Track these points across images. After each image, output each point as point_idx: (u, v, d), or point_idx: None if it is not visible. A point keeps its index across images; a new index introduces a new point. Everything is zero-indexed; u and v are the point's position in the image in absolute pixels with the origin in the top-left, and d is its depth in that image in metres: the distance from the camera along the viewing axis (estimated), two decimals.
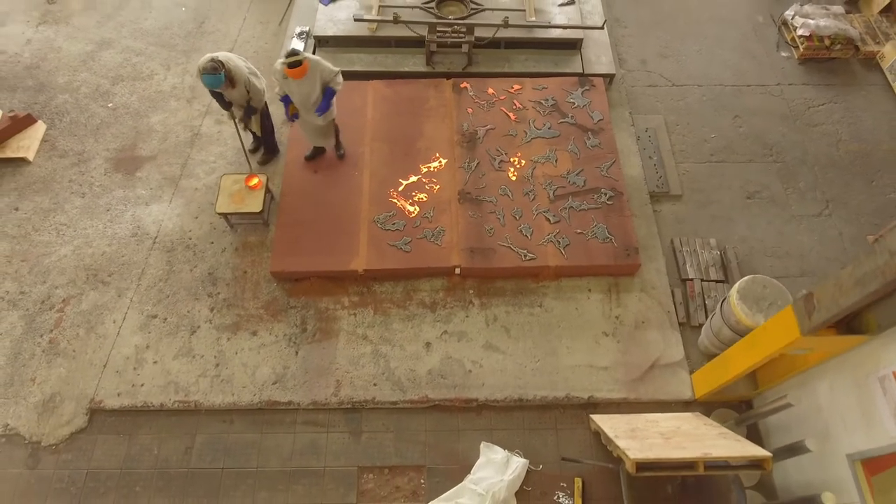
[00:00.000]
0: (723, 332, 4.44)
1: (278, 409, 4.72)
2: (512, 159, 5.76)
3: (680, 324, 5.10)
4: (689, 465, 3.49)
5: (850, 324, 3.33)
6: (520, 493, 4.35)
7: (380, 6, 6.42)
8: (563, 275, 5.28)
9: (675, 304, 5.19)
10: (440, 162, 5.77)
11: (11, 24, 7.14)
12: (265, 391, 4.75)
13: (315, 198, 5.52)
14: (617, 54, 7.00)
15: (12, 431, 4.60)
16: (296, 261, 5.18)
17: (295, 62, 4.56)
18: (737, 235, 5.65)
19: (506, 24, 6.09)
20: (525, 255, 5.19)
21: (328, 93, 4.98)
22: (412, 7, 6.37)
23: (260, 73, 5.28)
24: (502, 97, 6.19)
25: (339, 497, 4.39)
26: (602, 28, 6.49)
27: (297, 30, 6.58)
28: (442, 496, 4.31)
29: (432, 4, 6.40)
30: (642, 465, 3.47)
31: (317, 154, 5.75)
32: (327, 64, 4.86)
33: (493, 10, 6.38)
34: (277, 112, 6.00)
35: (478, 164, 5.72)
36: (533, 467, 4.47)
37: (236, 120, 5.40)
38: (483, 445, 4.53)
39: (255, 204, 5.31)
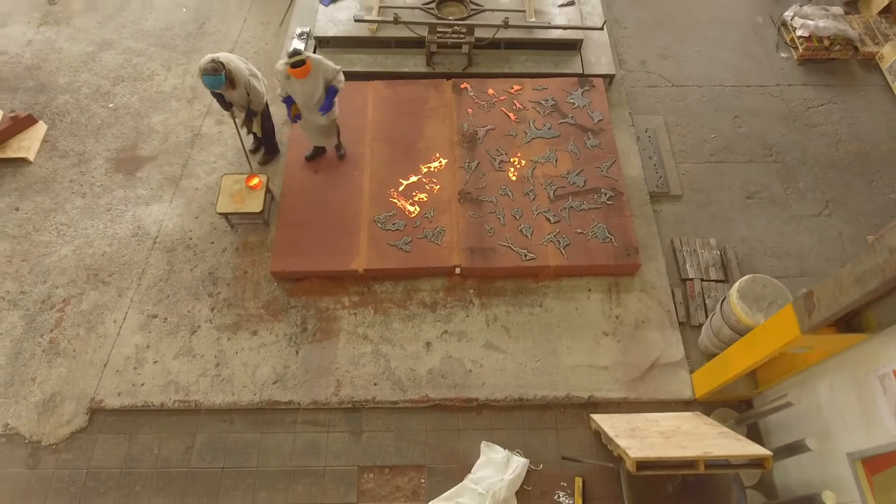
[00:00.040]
0: (723, 332, 4.45)
1: (279, 409, 4.72)
2: (512, 159, 5.77)
3: (680, 323, 5.10)
4: (690, 463, 3.49)
5: (850, 322, 3.33)
6: (520, 493, 4.35)
7: (380, 7, 6.43)
8: (563, 274, 5.29)
9: (675, 303, 5.19)
10: (440, 162, 5.78)
11: (13, 25, 7.16)
12: (265, 391, 4.75)
13: (315, 198, 5.53)
14: (617, 55, 7.02)
15: (12, 431, 4.60)
16: (296, 261, 5.19)
17: (298, 62, 4.57)
18: (737, 235, 5.66)
19: (506, 25, 6.10)
20: (525, 255, 5.20)
21: (331, 91, 5.00)
22: (412, 8, 6.38)
23: (261, 75, 5.27)
24: (502, 97, 6.20)
25: (340, 497, 4.39)
26: (602, 29, 6.51)
27: (298, 31, 6.59)
28: (442, 496, 4.30)
29: (432, 5, 6.41)
30: (643, 464, 3.47)
31: (317, 154, 5.76)
32: (329, 62, 4.87)
33: (493, 10, 6.40)
34: (278, 113, 6.02)
35: (478, 164, 5.73)
36: (533, 467, 4.47)
37: (237, 121, 5.42)
38: (483, 445, 4.53)
39: (255, 204, 5.32)
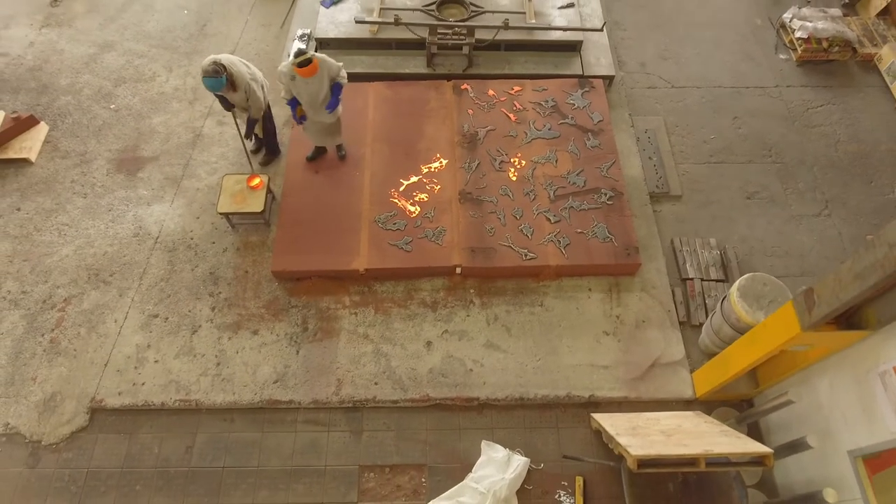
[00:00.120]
0: (723, 331, 4.45)
1: (279, 408, 4.72)
2: (512, 160, 5.79)
3: (680, 323, 5.11)
4: (691, 461, 3.49)
5: (850, 319, 3.34)
6: (521, 492, 4.34)
7: (381, 8, 6.47)
8: (563, 274, 5.30)
9: (675, 303, 5.20)
10: (441, 162, 5.80)
11: (15, 27, 7.18)
12: (266, 390, 4.75)
13: (316, 198, 5.54)
14: (616, 56, 7.05)
15: (13, 430, 4.60)
16: (297, 260, 5.19)
17: (305, 61, 4.61)
18: (737, 235, 5.67)
19: (506, 27, 6.13)
20: (526, 255, 5.21)
21: (336, 88, 5.04)
22: (413, 9, 6.41)
23: (262, 77, 5.26)
24: (503, 98, 6.22)
25: (340, 496, 4.38)
26: (601, 30, 6.54)
27: (299, 32, 6.62)
28: (443, 495, 4.30)
29: (433, 7, 6.44)
30: (644, 462, 3.48)
31: (318, 155, 5.77)
32: (331, 60, 4.92)
33: (493, 12, 6.43)
34: (279, 114, 6.04)
35: (478, 164, 5.75)
36: (534, 466, 4.47)
37: (238, 121, 5.43)
38: (484, 444, 4.52)
39: (256, 204, 5.33)
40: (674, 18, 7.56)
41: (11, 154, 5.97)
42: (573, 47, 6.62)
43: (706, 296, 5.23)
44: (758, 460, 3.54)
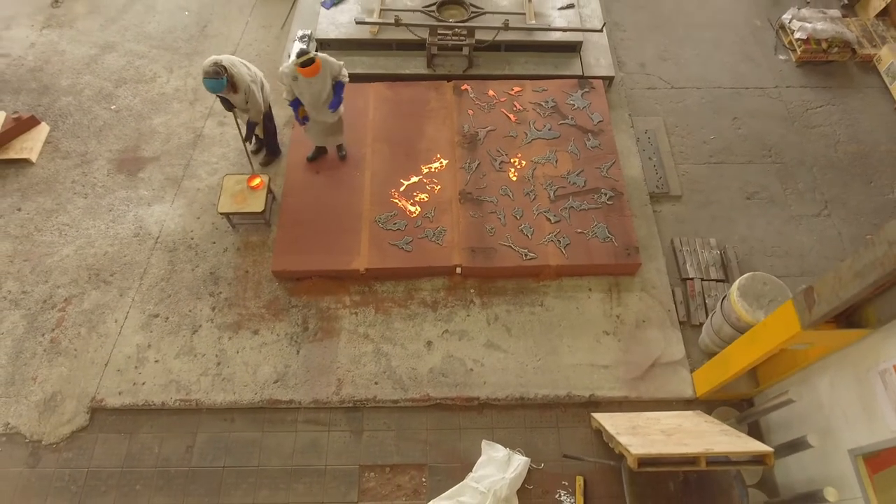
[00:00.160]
0: (723, 330, 4.46)
1: (279, 408, 4.72)
2: (512, 160, 5.80)
3: (680, 322, 5.11)
4: (691, 460, 3.50)
5: (850, 318, 3.35)
6: (521, 492, 4.34)
7: (381, 9, 6.48)
8: (563, 274, 5.30)
9: (675, 303, 5.21)
10: (441, 163, 5.81)
11: (16, 28, 7.20)
12: (266, 390, 4.75)
13: (317, 198, 5.55)
14: (616, 57, 7.06)
15: (13, 430, 4.59)
16: (297, 260, 5.20)
17: (308, 60, 4.63)
18: (737, 235, 5.68)
19: (506, 27, 6.15)
20: (526, 255, 5.21)
21: (338, 87, 5.07)
22: (413, 10, 6.43)
23: (262, 78, 5.26)
24: (503, 99, 6.23)
25: (341, 496, 4.38)
26: (601, 31, 6.56)
27: (299, 33, 6.63)
28: (443, 494, 4.29)
29: (433, 8, 6.46)
30: (644, 461, 3.48)
31: (319, 155, 5.78)
32: (333, 59, 4.95)
33: (493, 13, 6.45)
34: (280, 114, 6.05)
35: (478, 164, 5.76)
36: (534, 465, 4.46)
37: (239, 122, 5.44)
38: (484, 444, 4.52)
39: (256, 204, 5.34)
40: (673, 19, 7.58)
41: (12, 154, 5.98)
42: (573, 48, 6.63)
43: (706, 295, 5.23)
44: (758, 459, 3.54)
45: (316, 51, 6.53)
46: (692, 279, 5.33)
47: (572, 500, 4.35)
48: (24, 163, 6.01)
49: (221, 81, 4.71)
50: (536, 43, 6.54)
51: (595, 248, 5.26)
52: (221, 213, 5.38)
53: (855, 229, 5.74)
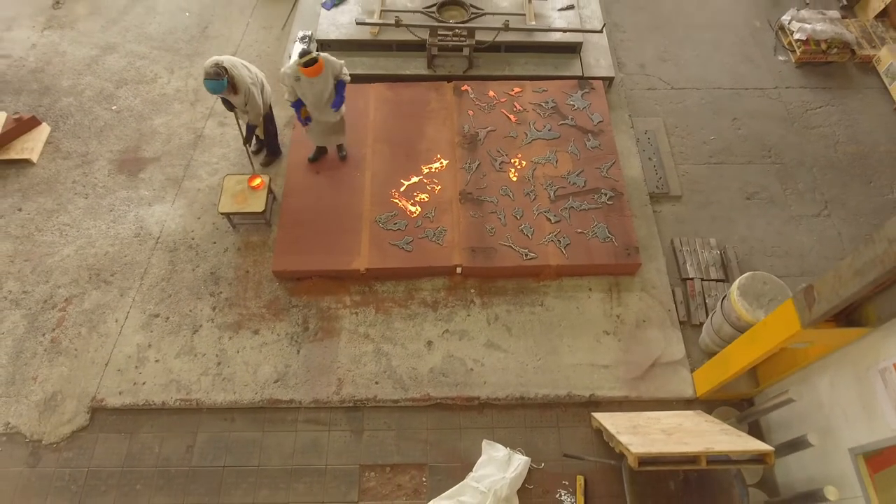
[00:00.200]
0: (723, 330, 4.46)
1: (280, 408, 4.72)
2: (513, 160, 5.81)
3: (681, 322, 5.12)
4: (692, 459, 3.50)
5: (850, 317, 3.35)
6: (522, 491, 4.34)
7: (382, 10, 6.50)
8: (563, 274, 5.31)
9: (675, 303, 5.21)
10: (441, 163, 5.82)
11: (17, 29, 7.21)
12: (267, 390, 4.75)
13: (317, 198, 5.56)
14: (616, 58, 7.08)
15: (13, 430, 4.59)
16: (298, 260, 5.20)
17: (310, 60, 4.64)
18: (736, 235, 5.69)
19: (506, 28, 6.17)
20: (526, 255, 5.22)
21: (340, 86, 5.09)
22: (413, 11, 6.44)
23: (263, 78, 5.26)
24: (503, 100, 6.25)
25: (341, 495, 4.38)
26: (601, 32, 6.58)
27: (300, 34, 6.65)
28: (444, 494, 4.29)
29: (433, 9, 6.48)
30: (644, 460, 3.48)
31: (319, 155, 5.79)
32: (333, 58, 4.96)
33: (493, 14, 6.46)
34: (280, 115, 6.06)
35: (479, 164, 5.77)
36: (535, 465, 4.46)
37: (240, 122, 5.45)
38: (485, 443, 4.52)
39: (257, 204, 5.35)
40: (673, 20, 7.59)
41: (13, 155, 5.99)
42: (573, 49, 6.65)
43: (706, 295, 5.24)
44: (759, 458, 3.54)
45: (317, 51, 6.56)
46: (692, 279, 5.34)
47: (573, 500, 4.35)
48: (25, 163, 6.02)
49: (222, 82, 4.72)
50: (536, 44, 6.56)
51: (595, 248, 5.27)
52: (222, 214, 5.38)
53: (854, 229, 5.74)
